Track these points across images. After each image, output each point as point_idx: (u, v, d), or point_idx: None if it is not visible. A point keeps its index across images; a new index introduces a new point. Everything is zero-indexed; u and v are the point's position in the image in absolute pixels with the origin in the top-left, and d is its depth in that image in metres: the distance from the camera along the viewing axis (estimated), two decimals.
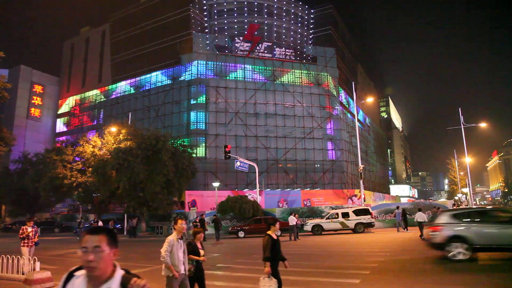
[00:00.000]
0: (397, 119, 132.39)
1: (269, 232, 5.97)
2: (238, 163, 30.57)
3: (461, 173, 55.45)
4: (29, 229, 11.30)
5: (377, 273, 9.51)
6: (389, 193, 69.95)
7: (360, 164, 29.77)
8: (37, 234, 11.60)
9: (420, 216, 19.59)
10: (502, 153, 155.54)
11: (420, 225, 19.09)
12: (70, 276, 2.03)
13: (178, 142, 33.07)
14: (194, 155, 34.10)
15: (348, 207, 27.09)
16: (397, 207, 25.01)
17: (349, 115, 51.83)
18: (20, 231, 11.19)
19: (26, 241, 11.08)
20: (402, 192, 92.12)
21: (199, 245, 5.97)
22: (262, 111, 43.49)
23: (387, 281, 8.55)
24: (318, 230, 24.32)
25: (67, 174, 32.32)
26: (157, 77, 47.06)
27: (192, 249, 5.83)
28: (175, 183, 29.76)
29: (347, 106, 52.43)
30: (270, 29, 48.30)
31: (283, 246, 18.68)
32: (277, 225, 6.16)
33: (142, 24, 49.12)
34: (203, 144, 41.40)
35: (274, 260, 5.82)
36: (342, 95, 51.06)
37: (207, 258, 14.83)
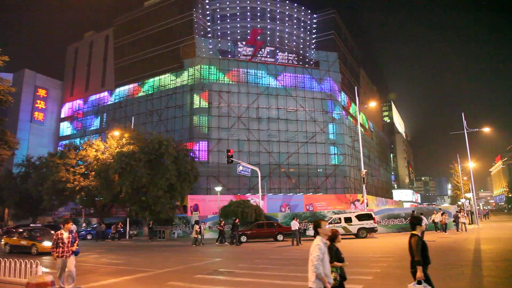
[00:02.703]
0: (400, 124, 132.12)
1: (415, 232, 5.38)
2: (241, 168, 30.53)
3: (465, 178, 55.14)
4: (65, 235, 8.87)
5: (380, 279, 9.45)
6: (392, 198, 69.67)
7: (362, 169, 29.64)
8: (76, 241, 9.16)
9: None
10: (506, 158, 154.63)
11: None
12: None
13: (181, 147, 33.11)
14: (196, 159, 34.10)
15: (350, 212, 26.96)
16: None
17: (351, 119, 51.80)
18: (54, 237, 8.93)
19: (59, 249, 8.81)
20: (405, 197, 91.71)
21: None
22: (264, 115, 43.56)
23: (390, 286, 8.51)
24: None
25: (70, 178, 32.39)
26: (160, 81, 47.29)
27: (335, 255, 5.08)
28: (178, 187, 29.76)
29: (349, 110, 52.42)
30: (272, 34, 48.46)
31: (285, 251, 18.58)
32: (424, 225, 5.79)
33: (145, 28, 49.47)
34: (206, 149, 41.48)
35: (425, 263, 5.23)
36: (345, 99, 51.09)
37: (208, 263, 14.75)
